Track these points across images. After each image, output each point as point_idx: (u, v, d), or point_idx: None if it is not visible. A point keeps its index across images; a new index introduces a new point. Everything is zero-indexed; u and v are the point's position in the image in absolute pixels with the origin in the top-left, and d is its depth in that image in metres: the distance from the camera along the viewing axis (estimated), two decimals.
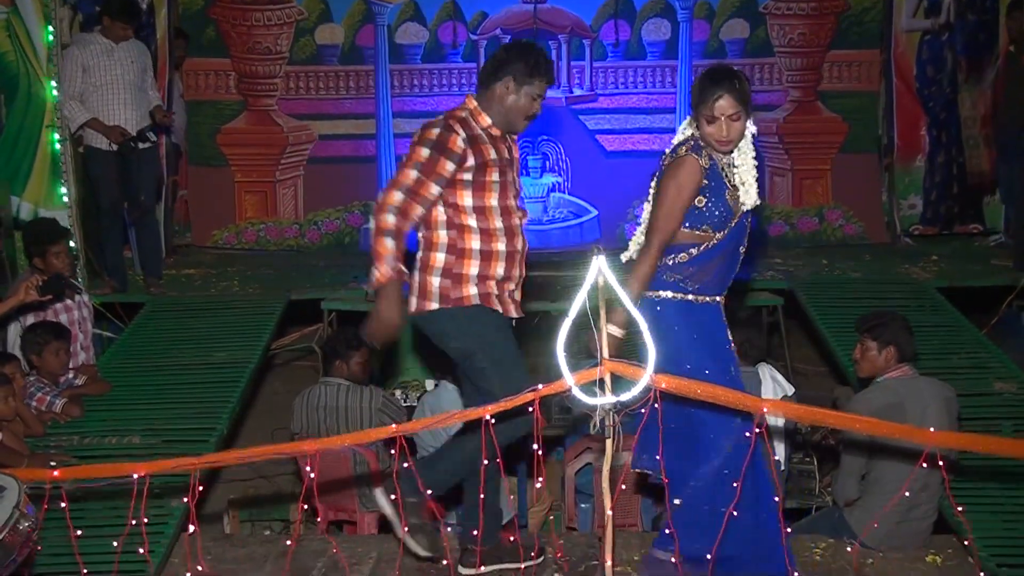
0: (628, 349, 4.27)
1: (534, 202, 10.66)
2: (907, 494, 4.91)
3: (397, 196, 4.49)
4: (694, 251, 4.64)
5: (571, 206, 10.83)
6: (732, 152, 4.63)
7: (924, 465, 4.28)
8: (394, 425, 4.13)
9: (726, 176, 4.61)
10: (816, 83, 10.93)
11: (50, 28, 8.02)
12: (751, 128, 4.62)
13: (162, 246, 9.33)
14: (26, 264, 7.68)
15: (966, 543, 5.14)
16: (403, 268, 4.53)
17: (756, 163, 4.67)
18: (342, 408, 6.66)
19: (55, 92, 8.06)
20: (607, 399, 3.64)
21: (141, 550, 4.47)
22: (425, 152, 4.54)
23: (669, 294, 4.67)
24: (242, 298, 8.87)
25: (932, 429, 4.93)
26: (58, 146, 8.12)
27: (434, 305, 4.71)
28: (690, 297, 4.66)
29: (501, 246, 4.71)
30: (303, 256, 10.72)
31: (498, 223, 4.70)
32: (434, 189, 4.54)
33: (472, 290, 4.68)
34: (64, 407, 6.60)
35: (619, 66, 11.07)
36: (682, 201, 4.59)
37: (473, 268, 4.68)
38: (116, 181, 8.25)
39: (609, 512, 3.83)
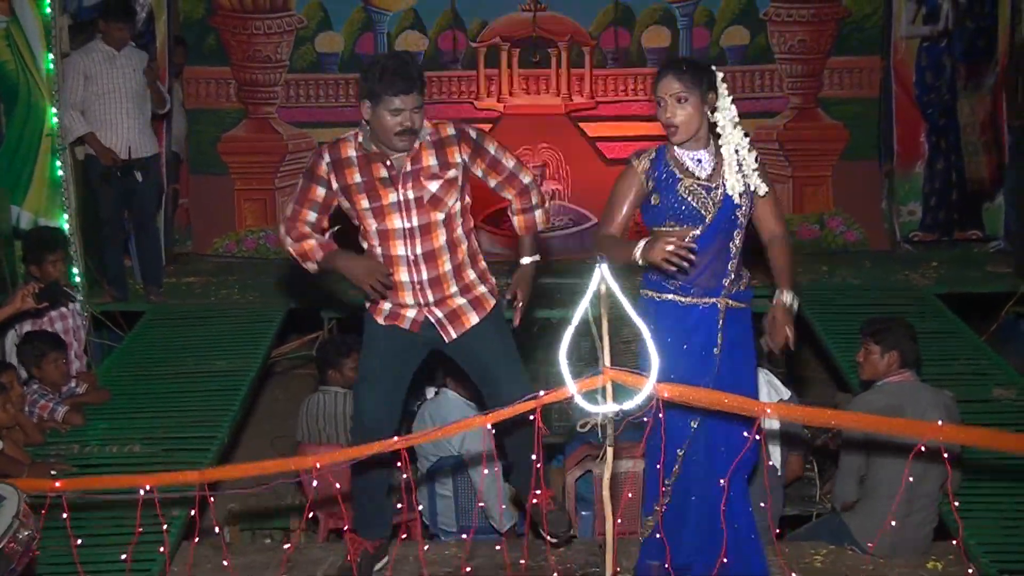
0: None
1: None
2: (905, 496, 4.93)
3: (281, 229, 4.86)
4: None
5: (571, 213, 10.85)
6: (686, 140, 4.50)
7: (922, 453, 4.32)
8: (395, 438, 4.13)
9: (679, 170, 4.52)
10: (817, 90, 10.93)
11: (50, 56, 8.01)
12: (726, 113, 4.49)
13: (162, 254, 9.33)
14: (23, 275, 7.70)
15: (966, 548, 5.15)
16: (323, 243, 4.77)
17: (739, 152, 4.49)
18: (340, 415, 6.68)
19: (55, 119, 8.07)
20: (609, 407, 3.64)
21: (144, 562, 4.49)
22: (300, 181, 4.82)
23: (651, 293, 4.68)
24: (242, 306, 8.89)
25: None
26: (58, 155, 8.13)
27: None
28: (669, 296, 4.63)
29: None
30: None
31: (377, 249, 4.80)
32: (310, 215, 4.78)
33: (371, 307, 4.96)
34: (66, 415, 6.62)
35: (619, 73, 11.07)
36: (612, 199, 4.64)
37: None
38: (116, 190, 8.27)
39: (610, 521, 3.84)
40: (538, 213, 4.91)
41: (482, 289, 4.90)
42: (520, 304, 4.89)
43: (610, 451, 3.75)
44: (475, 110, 10.98)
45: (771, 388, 6.06)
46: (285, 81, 10.94)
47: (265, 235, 10.96)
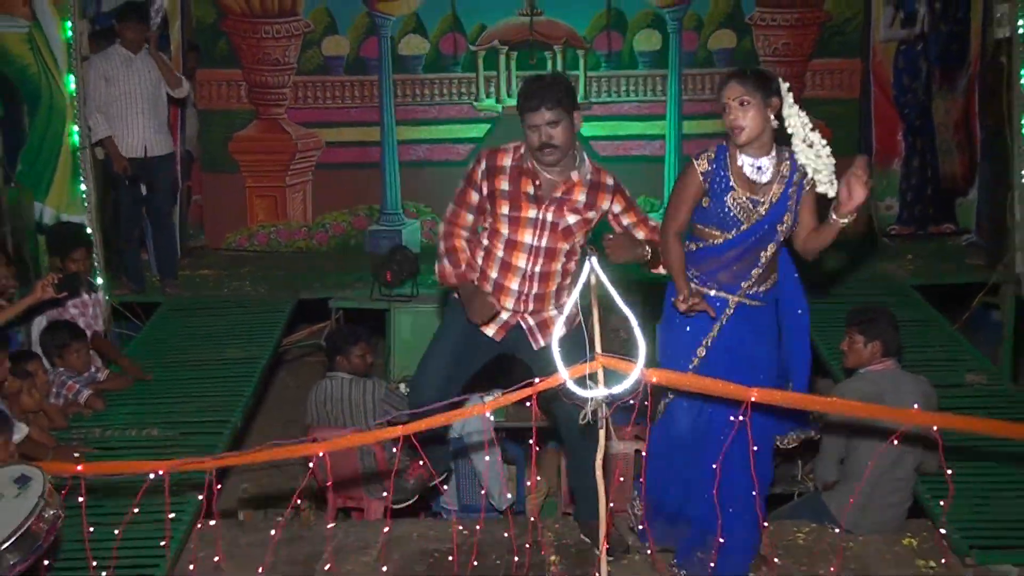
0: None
1: None
2: (876, 472, 4.96)
3: (441, 227, 4.99)
4: (693, 246, 4.67)
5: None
6: (749, 144, 4.46)
7: (895, 442, 4.36)
8: (399, 424, 4.16)
9: (735, 178, 4.52)
10: (800, 91, 10.88)
11: (68, 24, 8.01)
12: (796, 119, 4.46)
13: (177, 248, 9.35)
14: (47, 266, 7.74)
15: (942, 530, 5.20)
16: (462, 273, 4.90)
17: (819, 160, 4.45)
18: (347, 400, 6.71)
19: (73, 87, 8.09)
20: (599, 392, 3.67)
21: (162, 543, 4.52)
22: (459, 186, 4.93)
23: None
24: (254, 297, 8.90)
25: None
26: (78, 153, 8.16)
27: None
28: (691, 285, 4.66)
29: (493, 273, 4.88)
30: (311, 257, 10.73)
31: (499, 252, 4.84)
32: (468, 217, 4.90)
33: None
34: (88, 399, 6.65)
35: (612, 75, 11.07)
36: (678, 199, 4.63)
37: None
38: (133, 187, 8.30)
39: (603, 499, 3.86)
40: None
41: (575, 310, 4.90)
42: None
43: (602, 434, 3.78)
44: (475, 110, 10.99)
45: None
46: (293, 83, 10.93)
47: (275, 230, 10.98)
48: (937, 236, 10.28)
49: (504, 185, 4.76)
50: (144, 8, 8.63)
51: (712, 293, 4.63)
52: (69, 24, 8.01)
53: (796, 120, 4.47)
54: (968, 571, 4.97)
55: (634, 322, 3.67)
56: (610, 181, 4.82)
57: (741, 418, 3.90)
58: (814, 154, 4.46)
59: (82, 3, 8.38)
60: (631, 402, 3.70)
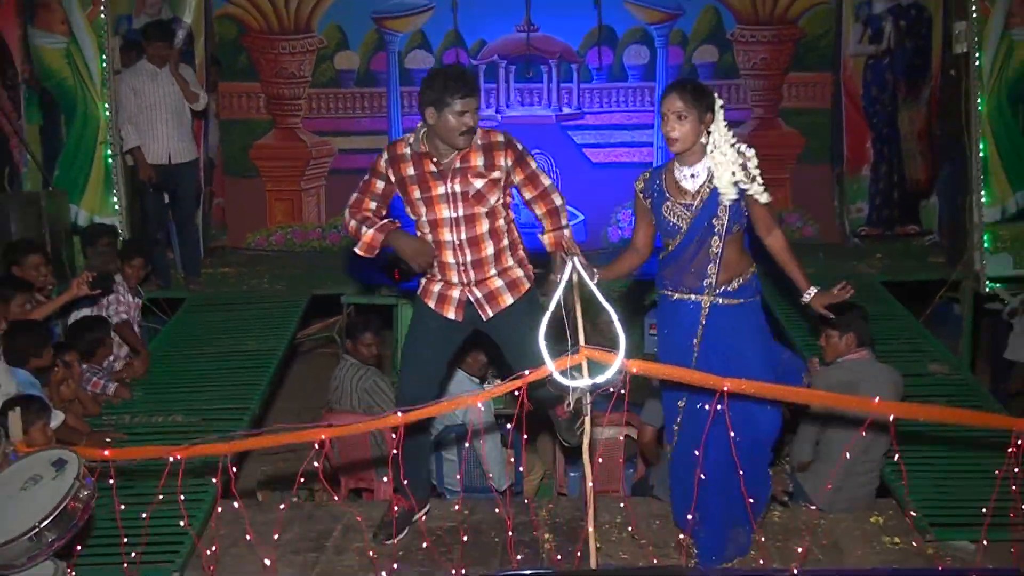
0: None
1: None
2: (848, 457, 4.99)
3: (346, 213, 4.99)
4: (662, 254, 4.73)
5: (560, 213, 10.87)
6: (683, 153, 4.51)
7: (864, 434, 4.40)
8: (399, 415, 4.19)
9: (668, 188, 4.58)
10: (777, 102, 10.96)
11: (103, 56, 8.10)
12: (718, 131, 4.49)
13: (201, 248, 9.35)
14: (83, 265, 7.78)
15: (912, 513, 5.22)
16: (383, 226, 4.86)
17: (736, 164, 4.47)
18: (345, 383, 6.75)
19: (107, 113, 8.15)
20: (583, 382, 3.71)
21: (181, 523, 4.55)
22: (363, 178, 4.98)
23: (659, 290, 4.81)
24: (271, 293, 8.89)
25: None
26: (110, 160, 8.20)
27: None
28: (666, 292, 4.73)
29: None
30: (325, 256, 10.74)
31: (428, 236, 4.87)
32: (371, 203, 4.92)
33: (421, 291, 5.04)
34: (116, 390, 6.68)
35: (603, 87, 11.10)
36: (636, 219, 4.79)
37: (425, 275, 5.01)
38: (157, 194, 8.33)
39: (590, 480, 3.90)
40: (566, 232, 4.89)
41: (519, 273, 4.95)
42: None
43: (587, 420, 3.81)
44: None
45: None
46: (308, 95, 10.97)
47: (292, 230, 11.02)
48: (903, 236, 10.29)
49: (410, 171, 4.78)
50: (167, 27, 8.64)
51: (686, 297, 4.66)
52: (103, 40, 8.06)
53: (719, 136, 4.50)
54: (928, 547, 5.00)
55: (615, 316, 3.71)
56: (500, 138, 4.80)
57: (719, 408, 3.93)
58: (739, 165, 4.48)
59: (115, 21, 8.43)
60: (611, 391, 3.74)
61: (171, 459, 4.14)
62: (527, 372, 3.91)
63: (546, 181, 4.91)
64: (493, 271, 4.90)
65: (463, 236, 4.81)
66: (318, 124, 11.04)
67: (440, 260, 4.87)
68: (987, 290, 8.17)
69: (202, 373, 7.26)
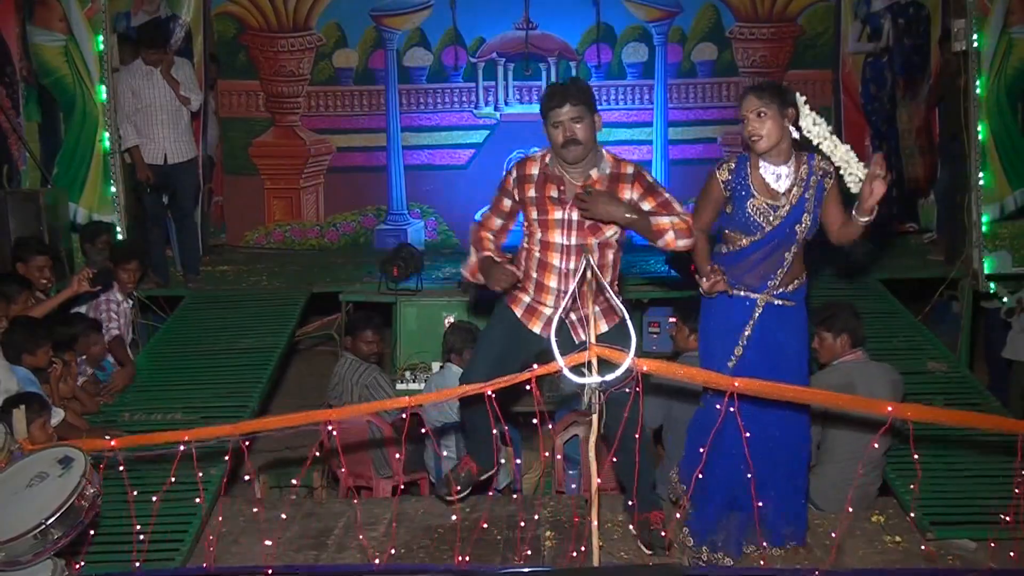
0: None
1: None
2: (852, 459, 5.00)
3: (473, 226, 5.01)
4: (723, 249, 4.73)
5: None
6: (768, 152, 4.49)
7: (876, 446, 4.43)
8: (406, 397, 4.21)
9: (755, 185, 4.55)
10: None
11: (100, 37, 8.10)
12: (812, 125, 4.49)
13: (200, 246, 9.34)
14: (82, 262, 7.78)
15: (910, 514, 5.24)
16: (482, 256, 4.86)
17: (847, 166, 4.48)
18: (346, 380, 6.77)
19: (104, 96, 8.16)
20: (594, 379, 3.71)
21: (184, 514, 4.55)
22: (494, 194, 4.94)
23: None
24: (270, 291, 8.89)
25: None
26: (109, 158, 8.20)
27: None
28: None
29: (534, 273, 4.84)
30: (324, 254, 10.76)
31: (536, 253, 4.81)
32: (496, 221, 4.93)
33: (508, 299, 4.96)
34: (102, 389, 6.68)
35: (602, 85, 11.09)
36: (701, 202, 4.73)
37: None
38: (159, 188, 8.33)
39: (594, 478, 3.90)
40: (685, 242, 4.61)
41: (615, 302, 4.66)
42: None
43: (595, 417, 3.81)
44: (474, 118, 11.03)
45: None
46: (307, 93, 10.98)
47: (291, 228, 11.03)
48: (901, 234, 10.30)
49: (531, 192, 4.72)
50: (159, 32, 8.62)
51: (740, 294, 4.66)
52: (101, 38, 8.07)
53: (814, 128, 4.51)
54: (929, 545, 5.01)
55: (626, 314, 3.72)
56: (630, 170, 4.67)
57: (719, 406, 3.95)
58: (840, 157, 4.50)
59: (113, 18, 8.42)
60: (626, 390, 3.74)
61: (179, 446, 4.14)
62: (536, 366, 3.91)
63: (676, 205, 4.65)
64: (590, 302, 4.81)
65: (572, 265, 4.74)
66: (317, 122, 11.05)
67: (541, 281, 4.82)
68: (987, 289, 8.17)
69: (201, 371, 7.27)
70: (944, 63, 9.01)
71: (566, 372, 3.67)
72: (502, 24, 11.01)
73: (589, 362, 3.73)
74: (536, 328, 4.88)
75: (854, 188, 4.48)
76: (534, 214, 4.74)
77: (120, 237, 8.15)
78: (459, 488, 5.14)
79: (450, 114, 11.06)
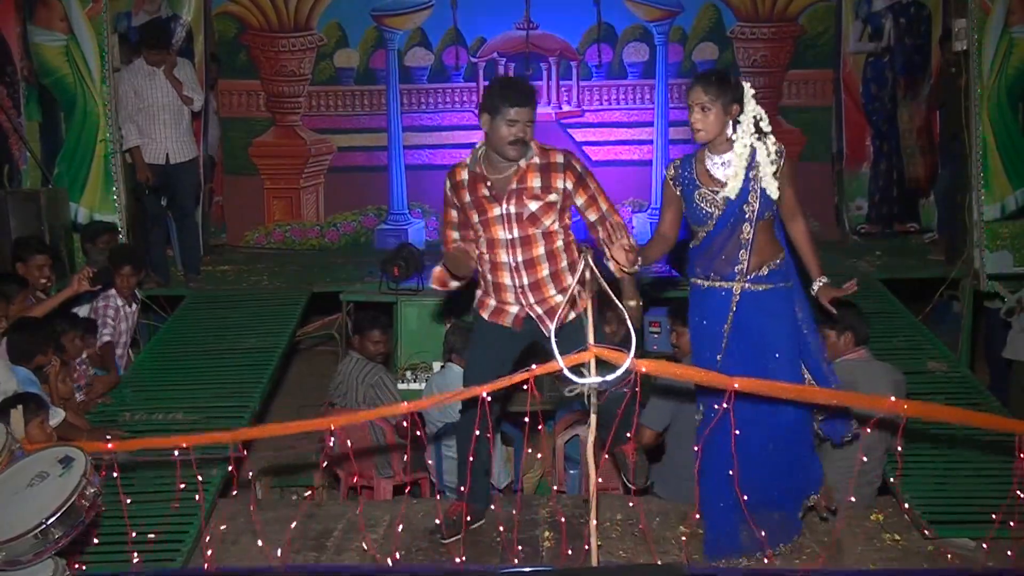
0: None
1: None
2: (861, 458, 5.01)
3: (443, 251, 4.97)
4: (692, 244, 4.75)
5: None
6: (709, 143, 4.53)
7: (868, 431, 4.43)
8: (405, 403, 4.22)
9: (700, 177, 4.58)
10: (777, 99, 10.96)
11: (101, 37, 8.10)
12: (744, 125, 4.48)
13: (200, 246, 9.34)
14: (83, 262, 7.79)
15: (906, 506, 5.24)
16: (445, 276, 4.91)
17: (749, 156, 4.47)
18: (351, 378, 6.77)
19: (105, 95, 8.15)
20: (592, 379, 3.71)
21: (185, 515, 4.56)
22: (443, 208, 5.02)
23: (690, 278, 4.83)
24: (270, 291, 8.89)
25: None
26: (110, 157, 8.21)
27: None
28: (697, 281, 4.75)
29: (488, 275, 4.93)
30: (324, 254, 10.77)
31: (485, 256, 4.89)
32: (452, 234, 4.98)
33: (477, 304, 5.03)
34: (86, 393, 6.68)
35: (603, 85, 11.13)
36: (662, 207, 4.76)
37: (480, 289, 5.03)
38: (159, 189, 8.34)
39: (593, 478, 3.91)
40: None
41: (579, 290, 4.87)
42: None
43: (593, 417, 3.82)
44: (475, 117, 10.98)
45: None
46: (308, 93, 11.01)
47: (291, 228, 11.05)
48: (902, 234, 10.31)
49: (467, 197, 4.80)
50: (162, 32, 8.64)
51: (716, 285, 4.67)
52: (102, 38, 8.07)
53: (745, 129, 4.50)
54: (928, 544, 5.02)
55: (626, 315, 3.73)
56: (559, 159, 4.76)
57: (725, 405, 3.95)
58: (753, 164, 4.51)
59: (114, 18, 8.44)
60: (624, 390, 3.75)
61: (176, 451, 4.15)
62: (534, 367, 3.92)
63: (604, 204, 4.83)
64: (552, 291, 4.87)
65: (519, 258, 4.81)
66: (318, 122, 11.07)
67: (496, 281, 4.89)
68: (988, 288, 8.17)
69: (202, 371, 7.25)
70: (945, 63, 9.01)
71: (566, 372, 3.67)
72: (503, 24, 11.03)
73: (588, 362, 3.74)
74: (507, 322, 4.95)
75: (772, 192, 4.51)
76: (475, 217, 4.81)
77: (122, 238, 8.15)
78: (453, 533, 5.07)
79: (451, 114, 11.07)
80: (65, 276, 7.20)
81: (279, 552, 4.68)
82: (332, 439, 4.31)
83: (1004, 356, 8.15)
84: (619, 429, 4.74)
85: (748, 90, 4.54)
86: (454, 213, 4.93)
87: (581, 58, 11.07)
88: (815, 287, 4.71)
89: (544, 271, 4.84)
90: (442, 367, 6.84)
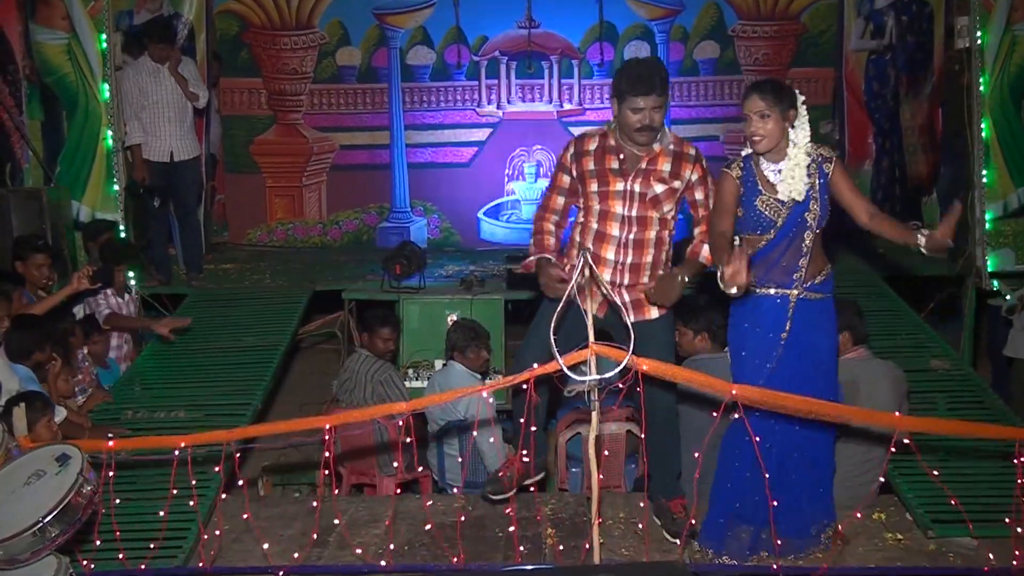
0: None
1: (531, 204, 10.76)
2: (857, 460, 4.99)
3: (536, 214, 5.01)
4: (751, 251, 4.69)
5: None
6: (768, 152, 4.49)
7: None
8: (403, 402, 4.20)
9: (761, 182, 4.53)
10: None
11: (103, 35, 8.10)
12: (799, 129, 4.46)
13: (202, 244, 9.35)
14: (85, 260, 7.78)
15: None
16: (544, 255, 4.83)
17: (808, 161, 4.45)
18: (359, 374, 6.76)
19: (107, 94, 8.15)
20: (592, 377, 3.70)
21: (185, 514, 4.54)
22: (553, 172, 4.99)
23: None
24: (272, 289, 8.89)
25: (881, 406, 5.08)
26: (112, 156, 8.19)
27: None
28: (751, 288, 4.69)
29: (589, 244, 4.84)
30: (326, 252, 10.77)
31: (594, 224, 4.83)
32: (559, 200, 4.94)
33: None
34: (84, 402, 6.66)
35: (604, 83, 11.08)
36: (720, 205, 4.63)
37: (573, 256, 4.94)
38: (161, 188, 8.32)
39: (595, 476, 3.89)
40: (707, 248, 4.77)
41: (612, 296, 4.80)
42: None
43: (595, 415, 3.80)
44: (477, 116, 11.03)
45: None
46: (310, 91, 11.00)
47: (293, 227, 11.05)
48: None
49: (591, 165, 4.77)
50: (168, 27, 8.64)
51: (771, 292, 4.61)
52: (104, 36, 8.07)
53: (798, 134, 4.47)
54: (930, 543, 5.00)
55: (625, 314, 3.71)
56: (692, 151, 4.80)
57: (737, 415, 3.92)
58: (787, 167, 4.47)
59: (116, 17, 8.42)
60: (619, 386, 3.73)
61: (175, 451, 4.14)
62: (535, 365, 3.90)
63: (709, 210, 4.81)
64: (647, 278, 4.84)
65: (631, 236, 4.79)
66: (319, 120, 11.06)
67: (598, 254, 4.82)
68: (991, 287, 8.16)
69: (204, 369, 7.26)
70: (947, 60, 8.99)
71: (566, 371, 3.65)
72: (505, 22, 11.02)
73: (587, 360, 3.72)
74: (593, 308, 4.76)
75: (783, 195, 4.48)
76: (594, 186, 4.78)
77: (123, 234, 8.14)
78: (507, 489, 5.03)
79: (453, 112, 11.06)
80: (67, 275, 7.19)
81: (279, 550, 4.68)
82: (333, 437, 4.29)
83: (1005, 354, 8.14)
84: (665, 477, 4.85)
85: (799, 96, 4.51)
86: (566, 179, 4.89)
87: (583, 56, 11.05)
88: (921, 240, 4.38)
89: (649, 256, 4.83)
90: (444, 365, 6.82)
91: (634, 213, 4.77)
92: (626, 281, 4.85)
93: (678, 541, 4.85)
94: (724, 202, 4.60)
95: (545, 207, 4.98)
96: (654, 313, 4.85)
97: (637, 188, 4.74)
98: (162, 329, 7.13)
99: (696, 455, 4.28)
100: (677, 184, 4.76)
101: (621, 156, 4.74)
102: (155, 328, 7.21)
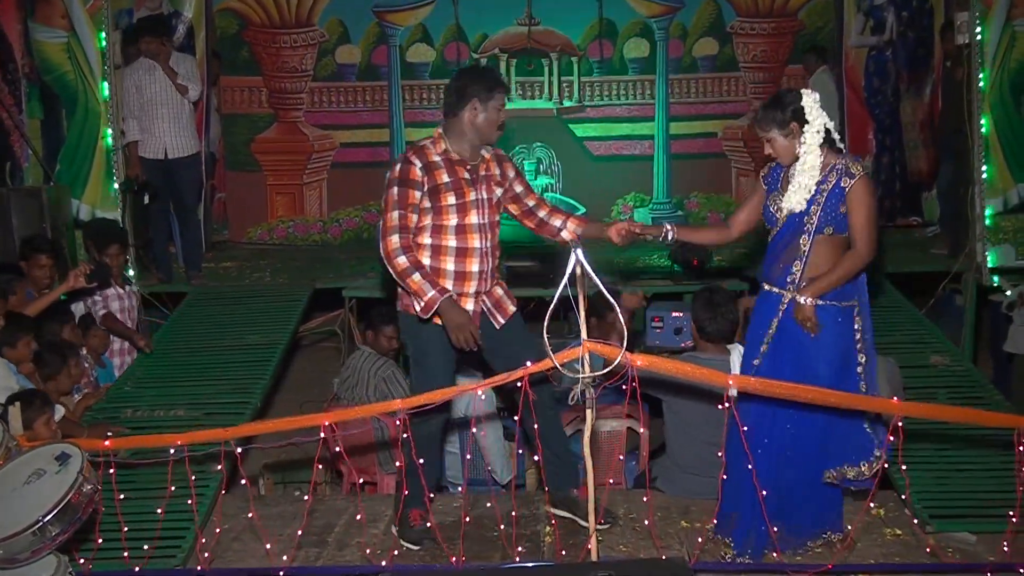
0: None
1: None
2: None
3: (394, 240, 4.63)
4: (768, 239, 4.78)
5: (562, 204, 10.87)
6: (789, 164, 4.58)
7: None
8: (398, 400, 4.21)
9: (782, 182, 4.63)
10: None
11: (102, 34, 8.11)
12: (812, 139, 4.45)
13: (202, 242, 9.35)
14: (84, 259, 7.78)
15: (903, 497, 5.22)
16: (441, 285, 4.64)
17: (814, 174, 4.47)
18: (362, 371, 6.75)
19: (106, 92, 8.17)
20: (586, 374, 3.70)
21: (185, 513, 4.54)
22: (395, 191, 4.68)
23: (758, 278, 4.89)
24: (273, 287, 8.89)
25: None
26: (111, 154, 8.20)
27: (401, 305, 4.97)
28: (760, 281, 4.81)
29: (449, 265, 4.79)
30: (327, 250, 10.76)
31: (451, 242, 4.78)
32: (413, 218, 4.72)
33: (416, 303, 4.70)
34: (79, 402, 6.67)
35: (603, 80, 11.12)
36: (744, 200, 4.85)
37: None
38: (161, 186, 8.32)
39: (591, 474, 3.89)
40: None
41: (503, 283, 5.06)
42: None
43: (589, 413, 3.80)
44: None
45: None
46: (310, 89, 11.01)
47: (293, 224, 11.05)
48: (904, 228, 10.29)
49: (444, 177, 4.72)
50: (158, 21, 8.64)
51: (767, 288, 4.70)
52: (103, 34, 8.07)
53: (809, 143, 4.49)
54: (929, 538, 4.99)
55: (618, 309, 3.71)
56: (501, 151, 5.01)
57: (726, 406, 3.92)
58: (803, 175, 4.51)
59: (115, 15, 8.43)
60: (623, 386, 3.73)
61: (172, 449, 4.14)
62: (528, 363, 3.90)
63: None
64: (496, 279, 4.98)
65: (489, 243, 4.85)
66: (320, 118, 11.07)
67: (464, 270, 4.80)
68: (991, 282, 8.15)
69: (204, 367, 7.26)
70: (946, 56, 8.99)
71: (559, 368, 3.66)
72: (504, 20, 11.04)
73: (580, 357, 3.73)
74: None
75: (785, 202, 4.56)
76: (451, 199, 4.72)
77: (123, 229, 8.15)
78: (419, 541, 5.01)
79: None
80: (66, 273, 7.19)
81: (280, 549, 4.68)
82: (334, 436, 4.30)
83: (1005, 350, 8.13)
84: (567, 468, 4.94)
85: (809, 102, 4.49)
86: (417, 195, 4.68)
87: (582, 54, 11.05)
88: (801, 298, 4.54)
89: (499, 258, 4.97)
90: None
91: (487, 220, 4.84)
92: (488, 287, 4.89)
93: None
94: (745, 195, 4.76)
95: (404, 228, 4.67)
96: (511, 306, 5.00)
97: (485, 195, 4.82)
98: (141, 342, 7.21)
99: (691, 449, 4.31)
100: (505, 185, 4.93)
101: (468, 167, 4.78)
102: (137, 342, 7.24)
